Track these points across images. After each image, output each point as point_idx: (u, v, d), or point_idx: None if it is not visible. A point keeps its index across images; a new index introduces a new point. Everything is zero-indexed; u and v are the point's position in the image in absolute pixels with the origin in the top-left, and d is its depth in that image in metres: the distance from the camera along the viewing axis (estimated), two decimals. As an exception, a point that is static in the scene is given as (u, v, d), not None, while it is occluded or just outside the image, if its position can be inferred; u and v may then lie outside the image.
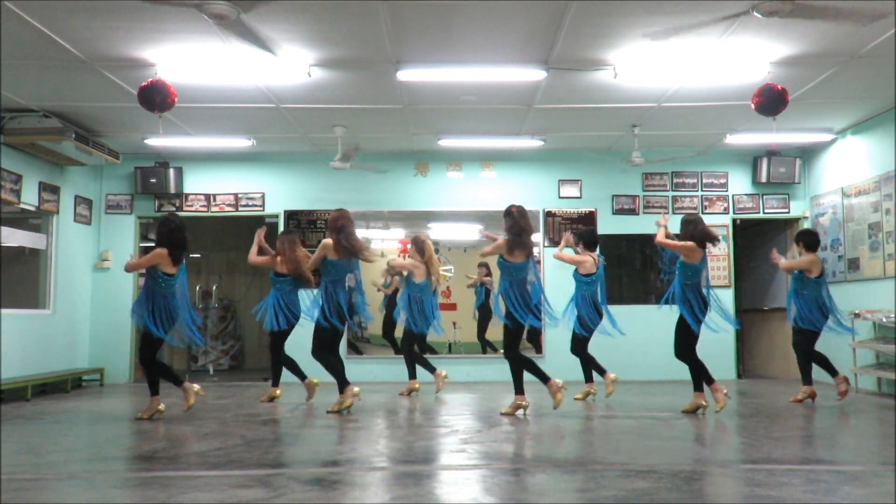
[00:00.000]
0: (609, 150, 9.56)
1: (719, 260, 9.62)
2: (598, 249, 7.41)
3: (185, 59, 6.19)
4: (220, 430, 5.42)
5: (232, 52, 6.05)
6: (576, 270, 7.18)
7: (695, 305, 6.10)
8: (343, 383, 6.27)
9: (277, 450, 4.80)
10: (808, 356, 6.94)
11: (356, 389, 6.28)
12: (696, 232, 6.12)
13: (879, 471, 3.92)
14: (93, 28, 5.54)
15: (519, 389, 6.01)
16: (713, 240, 6.21)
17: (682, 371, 9.48)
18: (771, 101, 6.22)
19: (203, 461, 4.24)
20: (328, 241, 6.31)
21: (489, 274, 9.29)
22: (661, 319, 8.97)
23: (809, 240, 7.01)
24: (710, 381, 6.11)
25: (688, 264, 6.15)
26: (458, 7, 5.28)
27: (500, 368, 9.23)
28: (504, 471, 3.98)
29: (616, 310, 7.33)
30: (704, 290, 6.14)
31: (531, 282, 5.96)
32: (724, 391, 6.06)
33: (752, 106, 6.34)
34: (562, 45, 5.96)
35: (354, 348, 9.45)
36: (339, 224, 6.30)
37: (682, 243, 6.15)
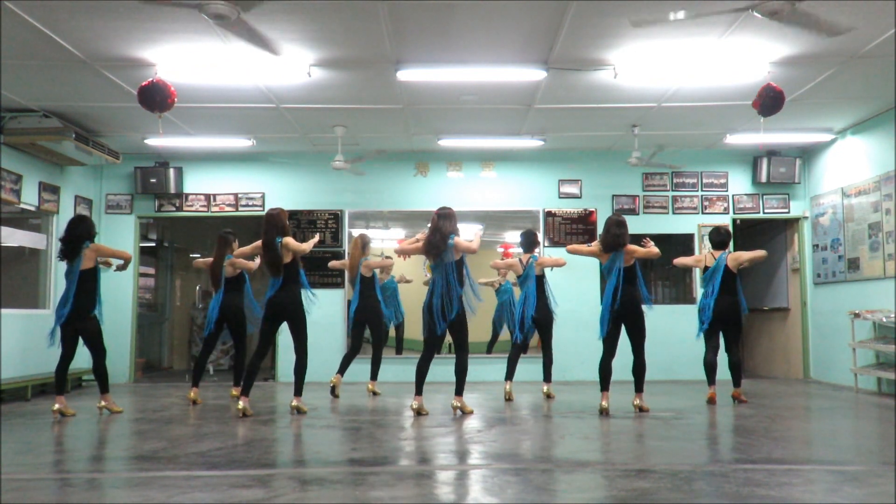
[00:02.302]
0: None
1: (719, 260, 9.62)
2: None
3: (185, 59, 6.19)
4: (220, 430, 5.42)
5: (232, 52, 6.05)
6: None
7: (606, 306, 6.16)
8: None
9: (277, 450, 4.80)
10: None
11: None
12: (605, 236, 6.21)
13: (879, 471, 3.92)
14: (93, 28, 5.54)
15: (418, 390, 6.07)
16: (605, 244, 6.17)
17: (682, 371, 9.48)
18: (771, 102, 6.22)
19: (203, 461, 4.24)
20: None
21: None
22: (660, 319, 9.00)
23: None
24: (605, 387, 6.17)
25: (600, 265, 6.32)
26: (458, 7, 5.28)
27: (499, 369, 9.24)
28: (504, 471, 3.98)
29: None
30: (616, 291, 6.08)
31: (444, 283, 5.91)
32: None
33: (756, 107, 6.29)
34: (562, 45, 5.96)
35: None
36: None
37: (589, 248, 6.44)
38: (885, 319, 7.59)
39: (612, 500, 3.33)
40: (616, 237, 6.10)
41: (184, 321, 12.27)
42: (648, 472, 3.87)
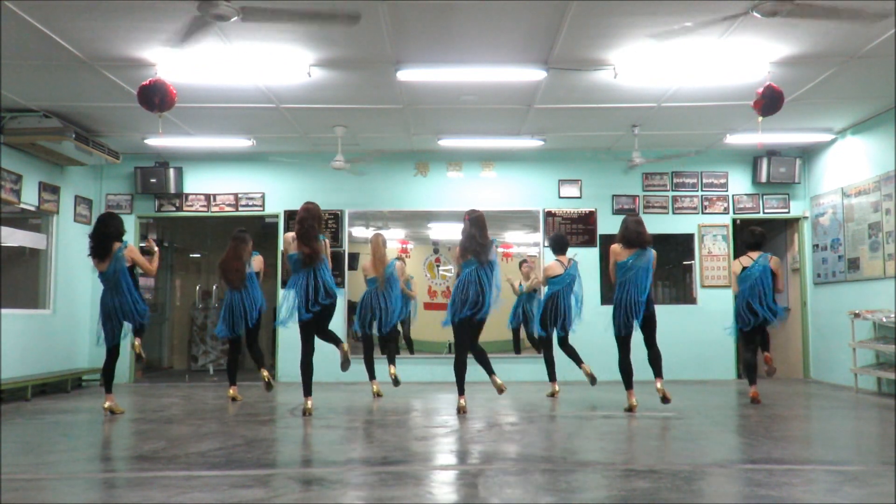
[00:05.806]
0: (611, 150, 9.53)
1: (719, 260, 9.63)
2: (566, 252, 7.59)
3: (185, 59, 6.18)
4: (220, 430, 5.42)
5: (232, 52, 6.05)
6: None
7: (621, 304, 6.24)
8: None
9: (277, 450, 4.80)
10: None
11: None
12: (624, 232, 6.29)
13: (879, 471, 3.92)
14: (93, 28, 5.54)
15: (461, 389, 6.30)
16: (628, 241, 6.26)
17: (682, 371, 9.46)
18: (770, 103, 6.21)
19: (203, 461, 4.24)
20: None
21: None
22: (660, 319, 8.97)
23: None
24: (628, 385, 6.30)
25: (617, 262, 6.32)
26: (458, 7, 5.28)
27: (501, 369, 9.24)
28: (504, 471, 3.98)
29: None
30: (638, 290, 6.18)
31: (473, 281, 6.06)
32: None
33: (756, 108, 6.27)
34: (562, 45, 5.96)
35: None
36: None
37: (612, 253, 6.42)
38: (885, 319, 7.59)
39: (612, 500, 3.34)
40: (639, 234, 6.22)
41: (184, 321, 12.26)
42: (648, 472, 3.88)
